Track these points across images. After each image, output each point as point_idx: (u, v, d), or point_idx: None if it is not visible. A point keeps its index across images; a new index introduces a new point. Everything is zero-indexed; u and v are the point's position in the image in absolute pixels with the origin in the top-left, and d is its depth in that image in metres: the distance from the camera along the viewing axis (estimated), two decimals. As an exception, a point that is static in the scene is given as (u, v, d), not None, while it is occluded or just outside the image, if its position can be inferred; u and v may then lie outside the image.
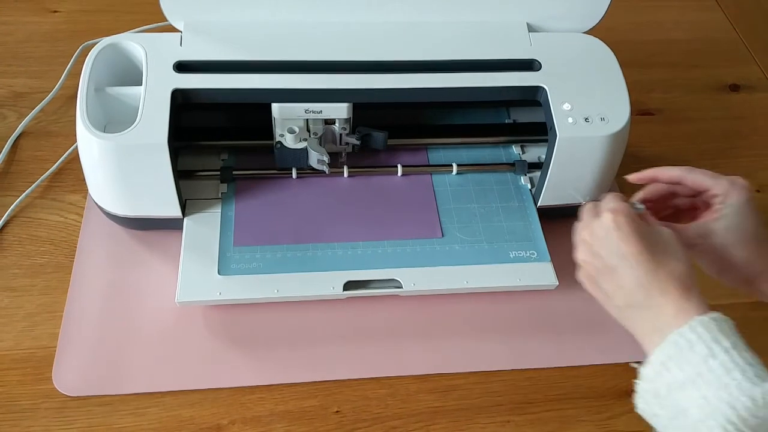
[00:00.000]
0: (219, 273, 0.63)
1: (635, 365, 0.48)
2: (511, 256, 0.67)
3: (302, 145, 0.68)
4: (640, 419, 0.61)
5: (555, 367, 0.64)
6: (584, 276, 0.52)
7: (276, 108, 0.65)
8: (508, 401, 0.62)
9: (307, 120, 0.68)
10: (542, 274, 0.66)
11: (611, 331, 0.67)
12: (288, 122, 0.67)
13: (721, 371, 0.42)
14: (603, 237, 0.50)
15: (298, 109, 0.65)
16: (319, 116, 0.66)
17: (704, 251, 0.53)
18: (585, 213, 0.53)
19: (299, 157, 0.69)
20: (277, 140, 0.68)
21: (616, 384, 0.64)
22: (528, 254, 0.67)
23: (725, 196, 0.54)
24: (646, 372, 0.46)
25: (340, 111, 0.66)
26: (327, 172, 0.69)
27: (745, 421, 0.40)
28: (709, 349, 0.42)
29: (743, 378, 0.41)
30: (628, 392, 0.63)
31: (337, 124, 0.68)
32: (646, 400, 0.46)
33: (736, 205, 0.53)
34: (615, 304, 0.50)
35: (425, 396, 0.62)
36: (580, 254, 0.52)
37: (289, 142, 0.68)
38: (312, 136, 0.68)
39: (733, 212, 0.53)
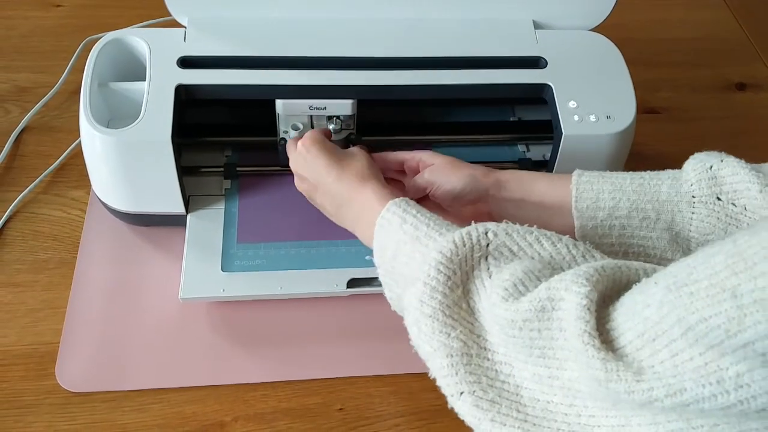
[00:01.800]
0: (222, 270, 0.63)
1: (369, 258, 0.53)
2: None
3: None
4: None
5: (559, 366, 0.64)
6: (307, 198, 0.61)
7: (280, 104, 0.65)
8: (511, 400, 0.62)
9: (311, 116, 0.67)
10: None
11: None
12: (292, 119, 0.67)
13: (412, 230, 0.48)
14: (303, 163, 0.59)
15: (303, 105, 0.65)
16: (323, 113, 0.66)
17: (434, 196, 0.60)
18: (289, 149, 0.62)
19: None
20: (281, 137, 0.68)
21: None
22: None
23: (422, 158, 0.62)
24: (375, 260, 0.52)
25: (344, 108, 0.65)
26: None
27: (449, 259, 0.45)
28: (401, 218, 0.49)
29: (430, 229, 0.48)
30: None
31: (332, 123, 0.68)
32: (385, 284, 0.51)
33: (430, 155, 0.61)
34: (330, 212, 0.59)
35: (428, 394, 0.62)
36: (296, 183, 0.62)
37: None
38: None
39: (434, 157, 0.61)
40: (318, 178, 0.58)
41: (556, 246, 0.45)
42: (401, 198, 0.51)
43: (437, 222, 0.49)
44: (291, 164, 0.61)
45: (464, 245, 0.45)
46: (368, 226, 0.52)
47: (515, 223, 0.47)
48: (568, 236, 0.46)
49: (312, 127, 0.68)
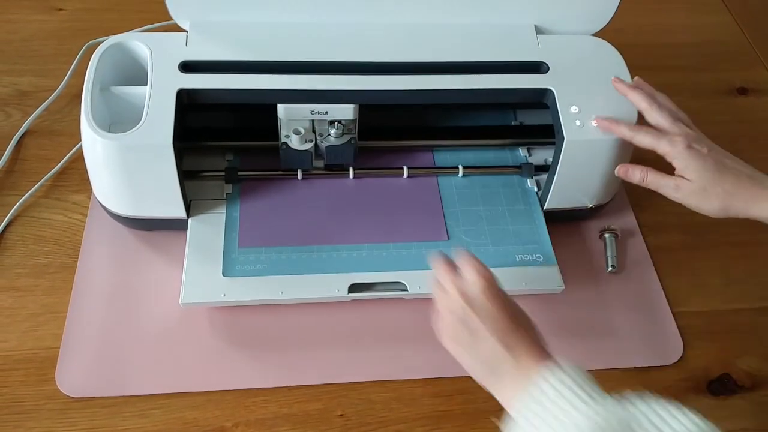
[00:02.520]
0: (223, 275, 0.62)
1: (494, 420, 0.51)
2: (517, 259, 0.66)
3: (308, 146, 0.68)
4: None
5: (561, 372, 0.64)
6: (446, 325, 0.53)
7: (282, 109, 0.65)
8: (513, 406, 0.62)
9: (312, 121, 0.67)
10: (548, 277, 0.65)
11: (616, 336, 0.66)
12: (293, 123, 0.67)
13: (566, 404, 0.46)
14: (474, 296, 0.52)
15: (304, 110, 0.65)
16: (324, 117, 0.66)
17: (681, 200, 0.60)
18: (441, 266, 0.54)
19: (304, 158, 0.69)
20: (282, 141, 0.68)
21: (621, 389, 0.63)
22: (534, 258, 0.66)
23: (671, 156, 0.60)
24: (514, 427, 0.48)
25: (346, 112, 0.65)
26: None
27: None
28: (557, 391, 0.47)
29: (584, 400, 0.46)
30: (635, 398, 0.63)
31: (334, 128, 0.68)
32: None
33: (683, 166, 0.60)
34: (476, 355, 0.51)
35: (430, 400, 0.62)
36: (444, 303, 0.53)
37: (295, 143, 0.67)
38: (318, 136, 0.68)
39: (687, 172, 0.60)
40: (486, 318, 0.51)
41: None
42: (558, 365, 0.49)
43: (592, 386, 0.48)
44: (445, 281, 0.53)
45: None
46: (515, 385, 0.49)
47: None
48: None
49: (314, 131, 0.68)
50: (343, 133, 0.68)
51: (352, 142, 0.69)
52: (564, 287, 0.65)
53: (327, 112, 0.65)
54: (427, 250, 0.66)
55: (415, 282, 0.64)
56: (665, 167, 0.81)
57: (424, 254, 0.65)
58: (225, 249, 0.64)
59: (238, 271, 0.63)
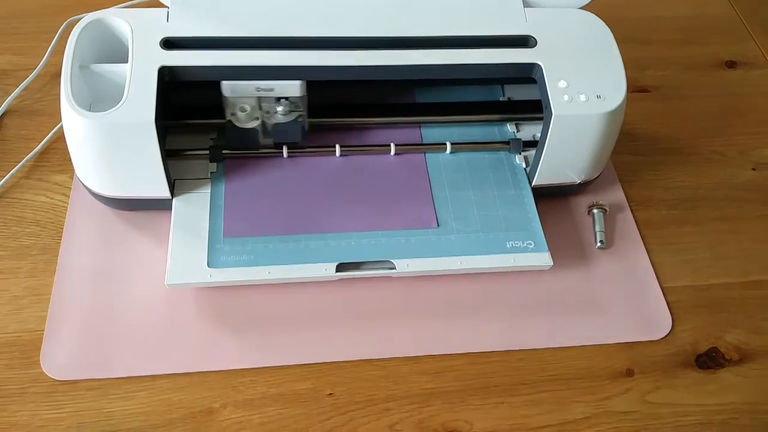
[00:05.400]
0: (209, 266, 0.61)
1: None
2: (508, 246, 0.65)
3: (254, 123, 0.67)
4: (634, 400, 0.62)
5: (549, 348, 0.64)
6: None
7: (226, 86, 0.64)
8: (502, 382, 0.62)
9: (258, 98, 0.66)
10: (538, 257, 0.65)
11: (605, 312, 0.66)
12: (240, 100, 0.65)
13: None
14: None
15: (249, 87, 0.63)
16: (270, 94, 0.64)
17: None
18: None
19: (251, 136, 0.67)
20: (228, 119, 0.66)
21: (610, 364, 0.63)
22: (525, 244, 0.65)
23: None
24: None
25: (292, 89, 0.64)
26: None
27: None
28: None
29: None
30: (623, 373, 0.63)
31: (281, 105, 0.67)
32: None
33: None
34: None
35: (419, 377, 0.61)
36: None
37: (241, 120, 0.66)
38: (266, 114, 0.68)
39: None
40: None
41: None
42: None
43: None
44: None
45: None
46: None
47: None
48: None
49: (260, 108, 0.67)
50: (290, 111, 0.66)
51: (299, 119, 0.67)
52: (552, 264, 0.65)
53: (273, 89, 0.64)
54: (416, 237, 0.65)
55: (403, 261, 0.63)
56: (656, 149, 0.81)
57: (413, 242, 0.64)
58: (210, 239, 0.63)
59: (223, 262, 0.62)
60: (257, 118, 0.67)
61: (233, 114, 0.66)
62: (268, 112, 0.67)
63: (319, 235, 0.64)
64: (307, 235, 0.64)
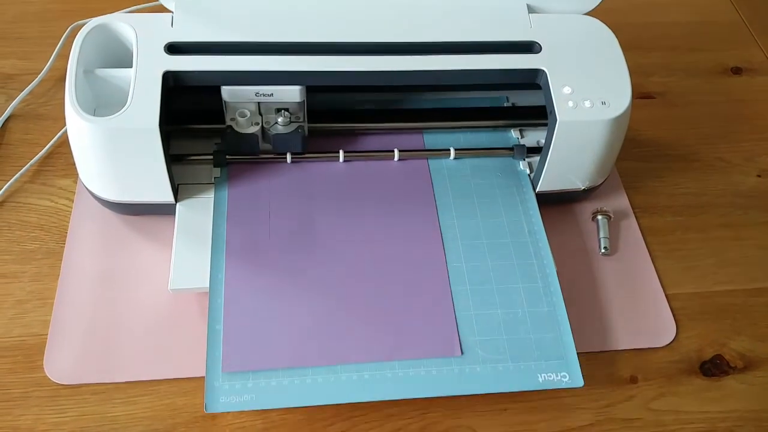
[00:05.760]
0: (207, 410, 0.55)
1: None
2: (540, 380, 0.58)
3: (254, 129, 0.67)
4: (638, 407, 0.61)
5: (553, 355, 0.64)
6: None
7: (226, 91, 0.64)
8: (505, 389, 0.62)
9: (258, 104, 0.66)
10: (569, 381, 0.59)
11: (609, 318, 0.66)
12: (239, 105, 0.66)
13: None
14: None
15: (249, 92, 0.63)
16: (270, 99, 0.64)
17: None
18: None
19: (250, 141, 0.67)
20: (227, 124, 0.66)
21: (613, 371, 0.63)
22: (559, 377, 0.58)
23: None
24: None
25: (292, 94, 0.64)
26: None
27: None
28: None
29: None
30: (627, 380, 0.63)
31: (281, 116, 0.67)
32: None
33: None
34: None
35: (422, 384, 0.61)
36: None
37: (241, 125, 0.66)
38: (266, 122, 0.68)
39: None
40: None
41: None
42: None
43: None
44: None
45: None
46: None
47: None
48: None
49: (260, 114, 0.67)
50: (290, 121, 0.67)
51: (299, 130, 0.67)
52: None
53: (272, 95, 0.63)
54: (438, 369, 0.58)
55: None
56: (661, 156, 0.81)
57: (435, 375, 0.58)
58: (212, 265, 0.61)
59: (223, 405, 0.55)
60: (257, 124, 0.67)
61: (233, 119, 0.66)
62: (268, 122, 0.67)
63: (328, 367, 0.57)
64: (315, 368, 0.57)
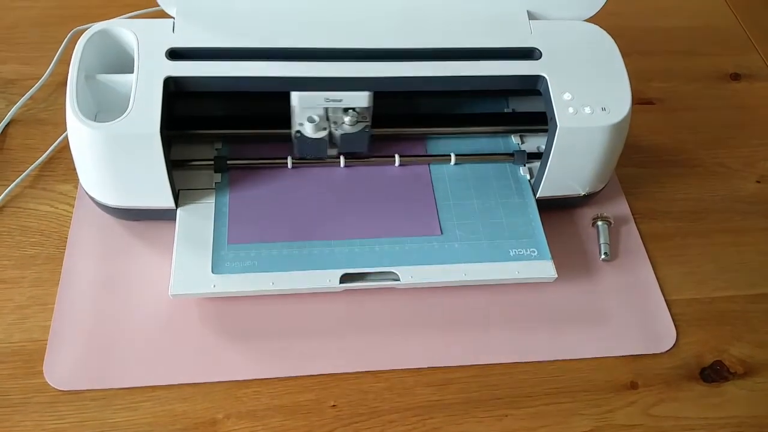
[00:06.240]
0: (213, 272, 0.61)
1: None
2: (511, 254, 0.65)
3: (322, 134, 0.67)
4: (638, 413, 0.61)
5: (553, 361, 0.64)
6: None
7: (295, 96, 0.64)
8: (506, 395, 0.61)
9: (326, 109, 0.66)
10: (542, 268, 0.65)
11: (609, 324, 0.66)
12: (307, 111, 0.66)
13: None
14: None
15: (318, 97, 0.64)
16: (339, 105, 0.65)
17: None
18: None
19: (319, 146, 0.68)
20: (296, 130, 0.67)
21: (614, 377, 0.63)
22: (528, 252, 0.65)
23: None
24: None
25: (360, 100, 0.64)
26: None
27: None
28: None
29: None
30: (627, 386, 0.63)
31: (348, 115, 0.67)
32: None
33: None
34: None
35: (422, 389, 0.61)
36: None
37: (309, 131, 0.67)
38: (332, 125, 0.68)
39: None
40: None
41: None
42: None
43: None
44: None
45: None
46: None
47: None
48: None
49: (328, 119, 0.67)
50: (357, 121, 0.67)
51: (367, 130, 0.68)
52: (556, 276, 0.64)
53: (342, 100, 0.64)
54: (419, 245, 0.65)
55: (407, 272, 0.63)
56: (660, 162, 0.82)
57: (417, 249, 0.65)
58: (214, 245, 0.63)
59: (227, 268, 0.62)
60: (325, 129, 0.67)
61: (301, 124, 0.67)
62: (335, 123, 0.67)
63: (323, 242, 0.64)
64: (311, 242, 0.64)
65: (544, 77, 0.65)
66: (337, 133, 0.68)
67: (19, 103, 0.79)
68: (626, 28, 0.74)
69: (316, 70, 0.63)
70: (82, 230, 0.68)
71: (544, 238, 0.66)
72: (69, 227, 0.69)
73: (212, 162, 0.69)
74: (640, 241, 0.73)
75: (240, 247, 0.63)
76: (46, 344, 0.61)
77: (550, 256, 0.65)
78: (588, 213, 0.73)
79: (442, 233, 0.66)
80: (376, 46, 0.65)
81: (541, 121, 0.67)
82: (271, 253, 0.63)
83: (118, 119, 0.59)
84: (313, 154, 0.69)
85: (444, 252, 0.65)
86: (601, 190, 0.72)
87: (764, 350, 0.66)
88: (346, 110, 0.66)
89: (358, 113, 0.67)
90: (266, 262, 0.63)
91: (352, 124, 0.67)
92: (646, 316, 0.67)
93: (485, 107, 0.77)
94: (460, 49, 0.66)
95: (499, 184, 0.70)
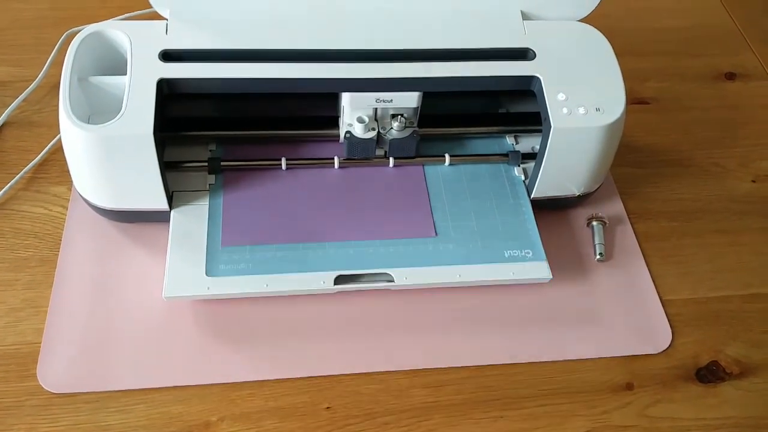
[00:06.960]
0: (207, 275, 0.61)
1: None
2: (506, 255, 0.65)
3: (371, 134, 0.68)
4: (634, 414, 0.61)
5: (549, 362, 0.63)
6: None
7: (347, 97, 0.65)
8: (501, 396, 0.61)
9: (375, 109, 0.67)
10: (536, 269, 0.65)
11: (605, 325, 0.66)
12: (357, 111, 0.67)
13: None
14: None
15: (369, 98, 0.65)
16: (389, 105, 0.65)
17: None
18: None
19: (368, 146, 0.68)
20: (346, 130, 0.67)
21: (610, 378, 0.63)
22: (523, 253, 0.65)
23: None
24: None
25: (409, 100, 0.65)
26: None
27: None
28: None
29: None
30: (623, 386, 0.63)
31: (397, 121, 0.68)
32: None
33: None
34: None
35: (418, 391, 0.61)
36: None
37: (359, 131, 0.67)
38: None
39: None
40: None
41: None
42: None
43: None
44: None
45: None
46: None
47: None
48: None
49: (376, 120, 0.68)
50: (405, 126, 0.68)
51: (415, 135, 0.68)
52: (552, 277, 0.64)
53: (392, 101, 0.65)
54: (414, 246, 0.65)
55: (402, 273, 0.63)
56: (655, 162, 0.82)
57: (412, 251, 0.64)
58: (208, 248, 0.63)
59: (221, 270, 0.62)
60: (373, 129, 0.68)
61: (350, 125, 0.67)
62: (384, 127, 0.68)
63: (317, 244, 0.64)
64: (306, 243, 0.64)
65: (538, 78, 0.65)
66: (387, 138, 0.69)
67: (12, 106, 0.78)
68: (620, 28, 0.74)
69: (309, 71, 0.63)
70: (75, 232, 0.68)
71: (539, 238, 0.66)
72: (63, 229, 0.69)
73: (206, 163, 0.68)
74: (636, 241, 0.73)
75: (234, 249, 0.63)
76: (39, 347, 0.61)
77: (545, 256, 0.65)
78: (583, 213, 0.73)
79: (436, 234, 0.66)
80: (369, 48, 0.65)
81: (536, 122, 0.66)
82: (265, 255, 0.63)
83: (111, 121, 0.59)
84: (362, 154, 0.69)
85: (438, 253, 0.64)
86: (596, 190, 0.72)
87: (760, 350, 0.66)
88: (394, 116, 0.68)
89: (406, 118, 0.68)
90: (260, 264, 0.62)
91: (400, 129, 0.68)
92: (642, 317, 0.67)
93: (479, 108, 0.77)
94: (454, 50, 0.66)
95: (494, 184, 0.70)
